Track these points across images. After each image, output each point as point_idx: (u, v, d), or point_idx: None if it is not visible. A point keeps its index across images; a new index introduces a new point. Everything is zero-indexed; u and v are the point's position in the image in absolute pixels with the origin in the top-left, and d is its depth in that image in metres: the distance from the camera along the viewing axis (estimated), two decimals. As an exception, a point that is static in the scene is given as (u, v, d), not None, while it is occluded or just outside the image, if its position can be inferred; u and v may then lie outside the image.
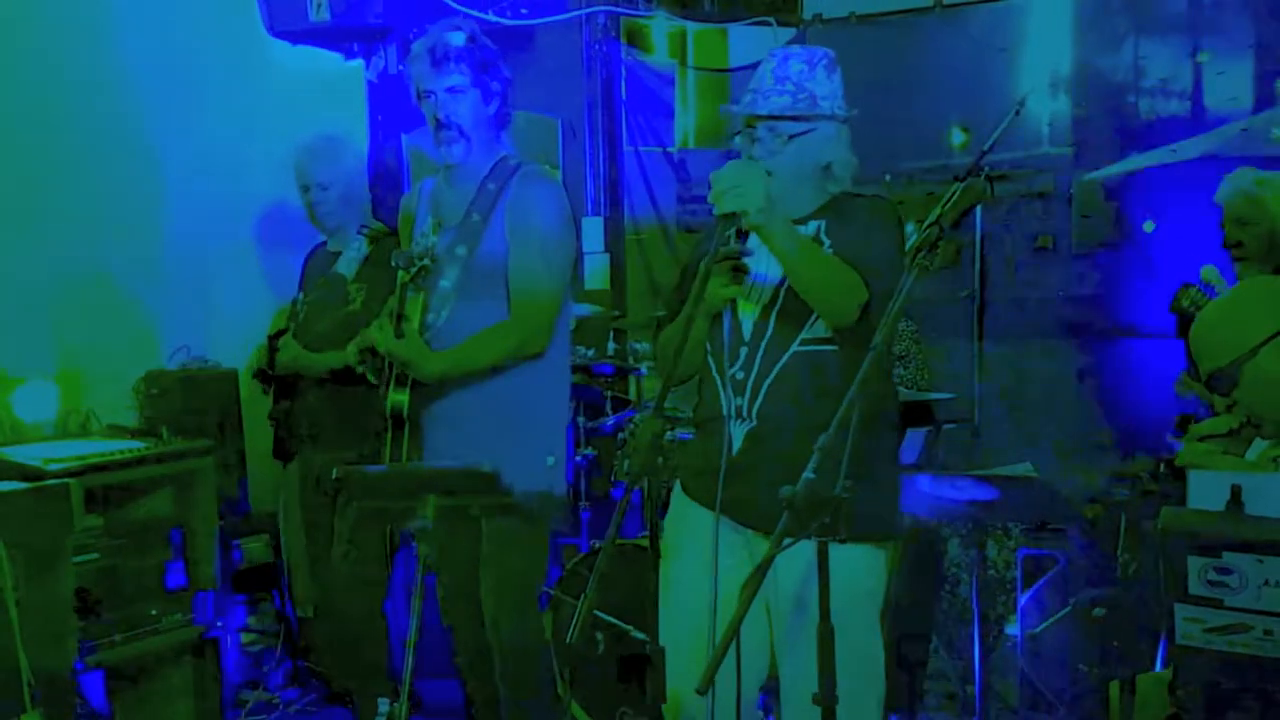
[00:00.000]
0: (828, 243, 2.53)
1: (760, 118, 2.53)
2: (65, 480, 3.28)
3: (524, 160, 3.17)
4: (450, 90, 3.03)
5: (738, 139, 2.60)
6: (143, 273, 4.17)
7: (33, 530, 3.18)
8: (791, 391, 2.50)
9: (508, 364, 3.04)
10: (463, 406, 3.08)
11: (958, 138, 5.00)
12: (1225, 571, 1.90)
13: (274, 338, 3.94)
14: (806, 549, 2.10)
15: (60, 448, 3.57)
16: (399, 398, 3.09)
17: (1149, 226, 4.78)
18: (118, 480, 3.55)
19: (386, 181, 4.88)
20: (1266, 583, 1.88)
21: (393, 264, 3.13)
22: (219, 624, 3.75)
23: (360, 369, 3.23)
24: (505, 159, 3.14)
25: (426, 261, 3.09)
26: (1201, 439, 2.90)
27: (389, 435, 3.13)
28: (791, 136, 2.52)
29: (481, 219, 3.06)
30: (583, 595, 2.21)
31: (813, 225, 2.56)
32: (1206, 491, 2.07)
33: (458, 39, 3.03)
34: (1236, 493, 2.01)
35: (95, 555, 3.52)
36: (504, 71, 3.11)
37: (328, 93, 4.84)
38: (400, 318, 3.07)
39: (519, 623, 3.12)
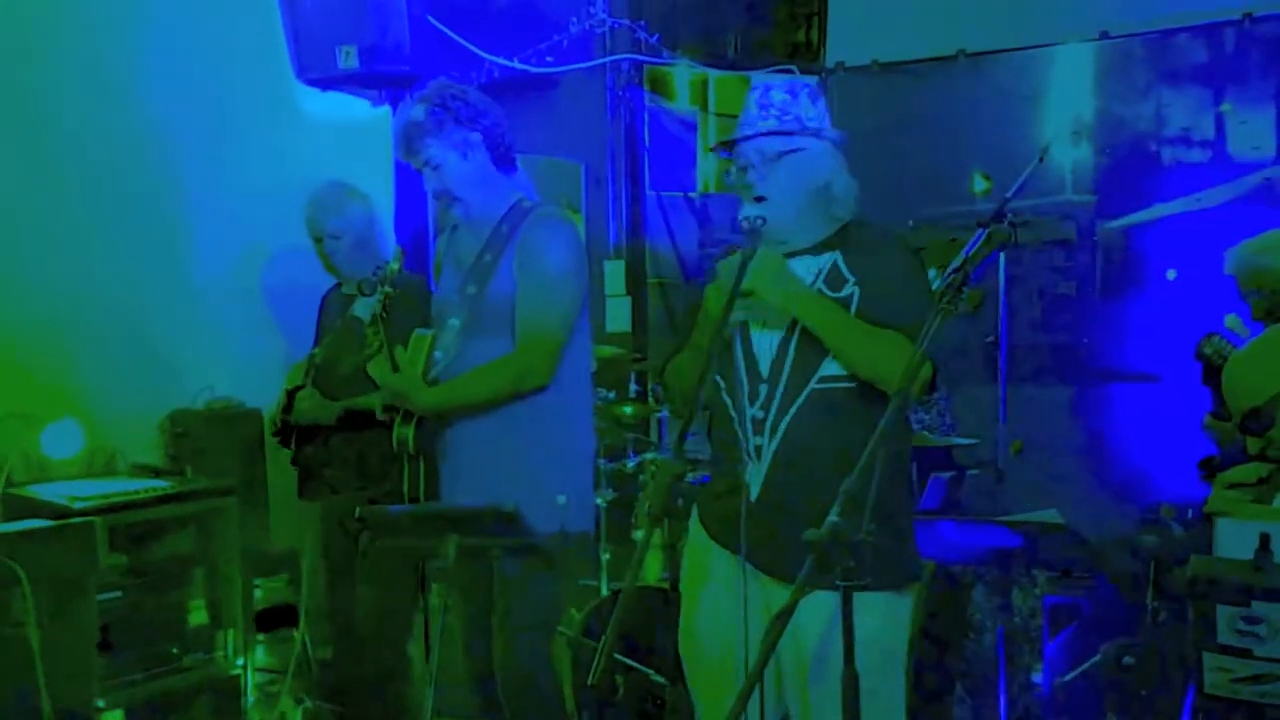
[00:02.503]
0: (852, 278, 2.47)
1: (747, 138, 2.51)
2: (90, 518, 3.30)
3: (542, 202, 3.17)
4: (428, 164, 3.05)
5: (729, 176, 2.56)
6: (170, 312, 4.20)
7: (57, 567, 3.20)
8: (809, 432, 2.44)
9: (509, 397, 3.01)
10: (471, 442, 3.08)
11: (980, 184, 5.02)
12: (1254, 621, 1.88)
13: (292, 393, 3.95)
14: (826, 603, 2.07)
15: (86, 486, 3.59)
16: (404, 431, 3.10)
17: (1171, 275, 4.77)
18: (142, 519, 3.57)
19: (411, 225, 4.93)
20: (1296, 630, 1.86)
21: (356, 289, 3.16)
22: (240, 664, 3.75)
23: (381, 416, 3.25)
24: (520, 202, 3.13)
25: (389, 288, 3.12)
26: (1230, 486, 2.88)
27: (406, 470, 3.14)
28: (780, 154, 2.48)
29: (493, 260, 3.07)
30: (603, 638, 2.20)
31: (828, 258, 2.51)
32: (1235, 540, 2.05)
33: (418, 114, 3.02)
34: (1265, 541, 1.99)
35: (118, 593, 3.53)
36: (482, 118, 3.06)
37: (354, 138, 4.90)
38: (391, 350, 3.10)
39: (527, 666, 3.09)
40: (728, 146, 2.56)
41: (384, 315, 3.12)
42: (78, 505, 3.37)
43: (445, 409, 3.06)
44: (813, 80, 2.61)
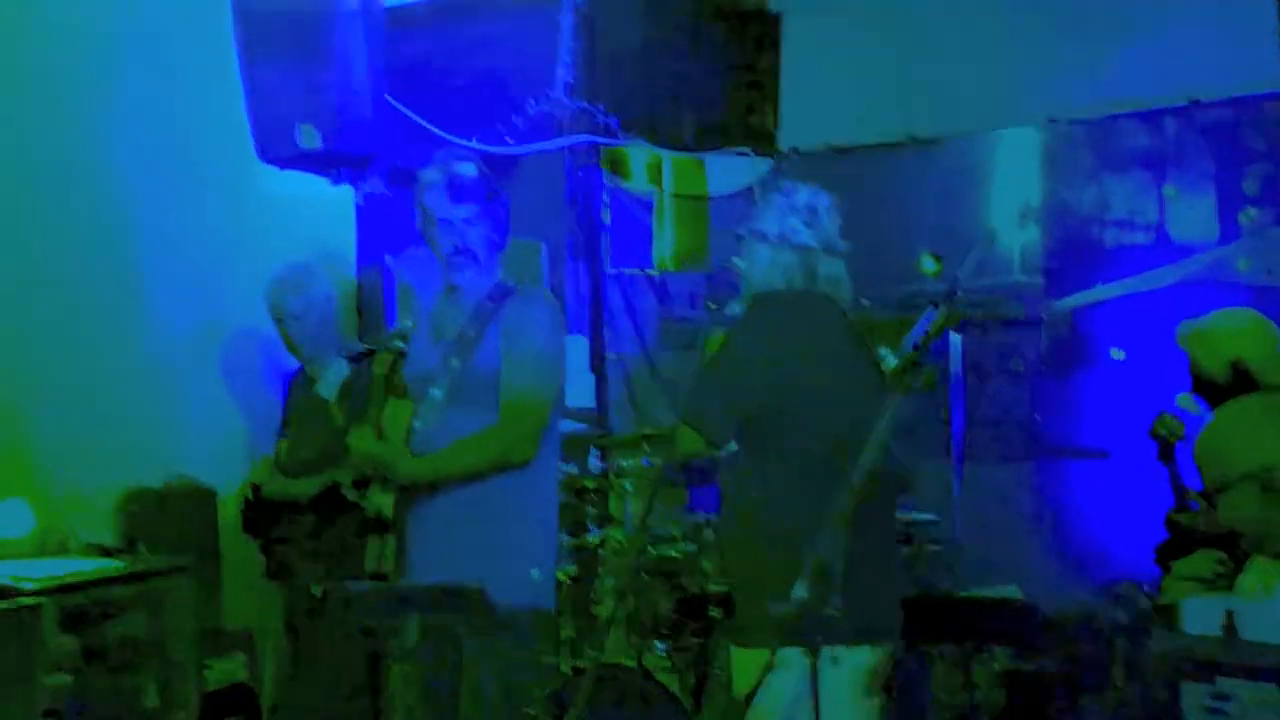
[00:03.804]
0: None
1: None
2: (39, 600, 3.23)
3: (522, 283, 3.25)
4: (466, 220, 3.14)
5: None
6: (126, 390, 4.16)
7: (2, 650, 3.12)
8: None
9: (492, 471, 3.04)
10: (445, 515, 3.07)
11: (930, 265, 5.10)
12: (1223, 698, 1.90)
13: (256, 488, 3.92)
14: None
15: (35, 566, 3.52)
16: (382, 501, 3.08)
17: (1118, 354, 4.86)
18: (92, 599, 3.50)
19: (371, 303, 4.92)
20: (1263, 703, 1.88)
21: (366, 344, 3.18)
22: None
23: (351, 495, 3.22)
24: (503, 280, 3.22)
25: (400, 345, 3.14)
26: (1184, 578, 2.92)
27: (375, 542, 3.11)
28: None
29: (477, 334, 3.12)
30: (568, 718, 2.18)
31: None
32: (1200, 617, 2.08)
33: (470, 170, 3.16)
34: (1230, 618, 2.02)
35: (68, 676, 3.44)
36: (505, 198, 3.23)
37: (315, 216, 4.90)
38: (377, 417, 3.09)
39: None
40: None
41: (389, 374, 3.13)
42: (26, 586, 3.30)
43: (428, 480, 3.06)
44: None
